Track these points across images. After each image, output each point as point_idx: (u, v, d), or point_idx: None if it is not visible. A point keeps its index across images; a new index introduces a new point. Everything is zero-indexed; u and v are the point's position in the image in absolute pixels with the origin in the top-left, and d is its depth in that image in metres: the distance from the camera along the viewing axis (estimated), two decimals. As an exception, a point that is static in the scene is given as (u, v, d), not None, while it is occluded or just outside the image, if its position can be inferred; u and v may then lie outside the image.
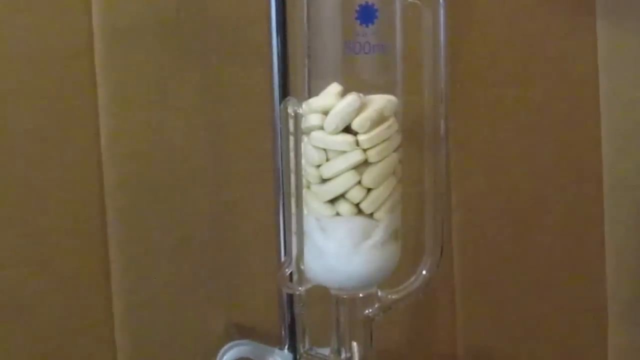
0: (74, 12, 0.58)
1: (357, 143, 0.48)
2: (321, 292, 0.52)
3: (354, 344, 0.53)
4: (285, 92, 0.57)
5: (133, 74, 0.60)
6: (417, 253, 0.54)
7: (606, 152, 0.77)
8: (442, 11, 0.50)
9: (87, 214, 0.60)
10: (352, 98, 0.47)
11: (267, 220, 0.58)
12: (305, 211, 0.50)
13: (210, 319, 0.64)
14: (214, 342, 0.62)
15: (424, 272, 0.53)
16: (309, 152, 0.49)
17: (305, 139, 0.49)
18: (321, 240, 0.50)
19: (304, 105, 0.49)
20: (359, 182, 0.48)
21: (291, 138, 0.50)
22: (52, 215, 0.59)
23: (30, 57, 0.57)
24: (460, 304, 0.73)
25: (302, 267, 0.51)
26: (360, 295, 0.52)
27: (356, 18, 0.48)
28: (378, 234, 0.49)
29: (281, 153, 0.52)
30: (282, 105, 0.51)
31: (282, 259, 0.55)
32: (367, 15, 0.48)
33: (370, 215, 0.49)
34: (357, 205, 0.49)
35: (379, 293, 0.52)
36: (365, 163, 0.48)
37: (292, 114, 0.50)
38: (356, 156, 0.48)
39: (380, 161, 0.48)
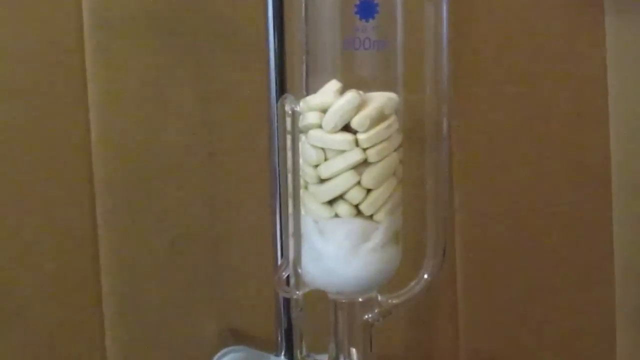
0: (63, 7, 0.58)
1: (357, 142, 0.48)
2: (319, 297, 0.52)
3: (353, 350, 0.53)
4: (282, 89, 0.57)
5: (124, 70, 0.60)
6: (419, 256, 0.54)
7: (615, 152, 0.77)
8: (445, 6, 0.50)
9: (76, 214, 0.60)
10: (351, 95, 0.47)
11: (263, 222, 0.58)
12: (302, 212, 0.50)
13: (204, 323, 0.64)
14: (207, 348, 0.62)
15: (425, 276, 0.53)
16: (307, 151, 0.49)
17: (302, 137, 0.49)
18: (319, 243, 0.50)
19: (301, 103, 0.49)
20: (359, 183, 0.48)
21: (288, 137, 0.50)
22: (40, 215, 0.59)
23: (18, 52, 0.57)
24: (462, 309, 0.73)
25: (299, 270, 0.51)
26: (360, 299, 0.52)
27: (356, 13, 0.48)
28: (378, 236, 0.49)
29: (278, 152, 0.52)
30: (279, 103, 0.50)
31: (279, 261, 0.55)
32: (367, 10, 0.48)
33: (370, 216, 0.49)
34: (356, 206, 0.49)
35: (379, 297, 0.52)
36: (364, 163, 0.48)
37: (290, 112, 0.50)
38: (355, 156, 0.48)
39: (380, 161, 0.48)
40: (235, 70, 0.63)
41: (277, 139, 0.52)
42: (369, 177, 0.48)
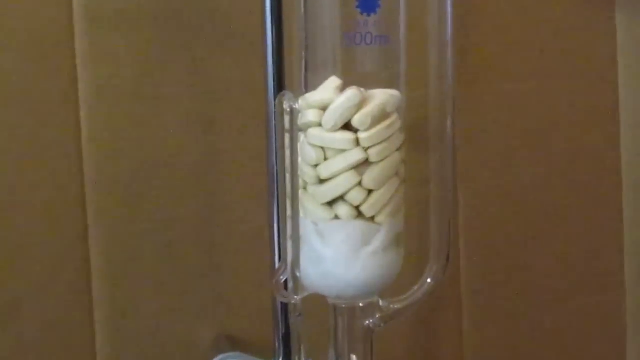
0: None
1: (358, 141, 0.48)
2: (318, 301, 0.52)
3: (353, 357, 0.53)
4: (280, 86, 0.57)
5: (117, 66, 0.60)
6: (422, 259, 0.53)
7: (625, 150, 0.77)
8: (449, 0, 0.50)
9: (66, 216, 0.60)
10: (352, 93, 0.47)
11: (261, 224, 0.58)
12: (301, 214, 0.50)
13: (199, 329, 0.64)
14: (202, 355, 0.62)
15: (428, 280, 0.53)
16: (306, 150, 0.49)
17: (301, 136, 0.49)
18: (318, 246, 0.50)
19: (300, 101, 0.49)
20: (359, 183, 0.48)
21: (286, 135, 0.50)
22: (28, 217, 0.59)
23: (5, 46, 0.57)
24: (467, 314, 0.73)
25: (297, 274, 0.51)
26: (360, 304, 0.52)
27: (357, 7, 0.48)
28: (379, 239, 0.49)
29: (276, 151, 0.52)
30: (277, 100, 0.50)
31: (277, 265, 0.55)
32: (368, 4, 0.48)
33: (371, 218, 0.49)
34: (357, 208, 0.49)
35: (380, 302, 0.52)
36: (365, 163, 0.48)
37: (288, 110, 0.50)
38: (356, 155, 0.48)
39: (382, 161, 0.48)
40: (232, 66, 0.63)
41: (275, 137, 0.52)
42: (370, 177, 0.48)
